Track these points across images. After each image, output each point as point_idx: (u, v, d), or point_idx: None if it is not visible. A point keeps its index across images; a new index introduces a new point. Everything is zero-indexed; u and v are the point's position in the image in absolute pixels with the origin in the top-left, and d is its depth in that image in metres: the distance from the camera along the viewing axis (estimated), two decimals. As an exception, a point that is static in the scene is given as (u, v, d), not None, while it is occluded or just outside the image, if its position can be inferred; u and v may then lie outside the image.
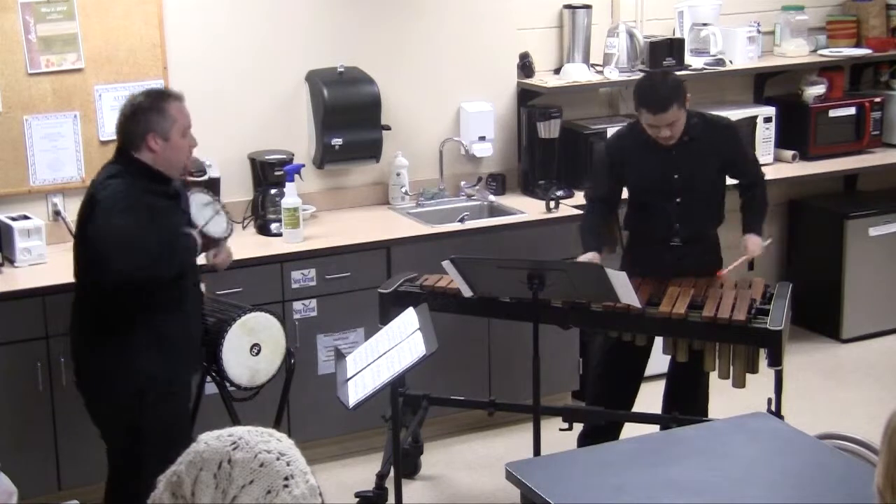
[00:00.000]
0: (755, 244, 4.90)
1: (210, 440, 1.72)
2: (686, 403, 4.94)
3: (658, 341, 4.88)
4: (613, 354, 4.96)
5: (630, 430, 4.94)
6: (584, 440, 4.96)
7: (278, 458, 1.70)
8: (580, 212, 5.60)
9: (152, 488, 1.74)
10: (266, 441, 1.72)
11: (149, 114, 4.01)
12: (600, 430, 4.88)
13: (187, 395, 4.26)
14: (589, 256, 4.82)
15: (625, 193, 5.04)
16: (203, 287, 4.69)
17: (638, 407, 5.06)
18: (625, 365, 4.96)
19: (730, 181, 5.06)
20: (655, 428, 4.83)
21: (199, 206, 4.24)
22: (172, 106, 4.05)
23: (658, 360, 5.07)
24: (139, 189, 3.97)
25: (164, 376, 4.04)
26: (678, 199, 4.84)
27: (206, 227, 4.21)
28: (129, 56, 5.24)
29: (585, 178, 5.73)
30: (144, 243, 3.90)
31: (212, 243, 4.26)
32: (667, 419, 4.77)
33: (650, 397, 5.15)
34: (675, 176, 4.83)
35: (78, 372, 4.18)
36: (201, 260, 4.29)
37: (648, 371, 5.12)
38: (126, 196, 3.93)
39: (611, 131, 5.57)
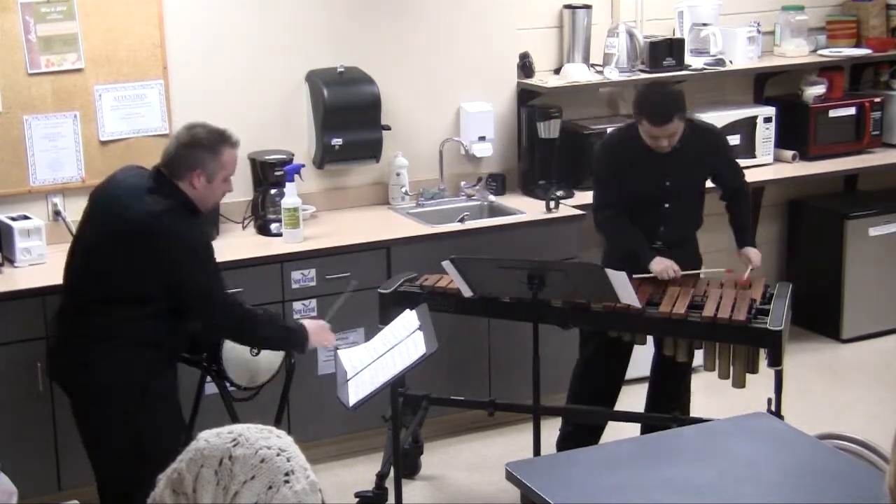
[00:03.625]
0: (757, 255, 4.98)
1: (210, 437, 1.72)
2: (668, 404, 4.95)
3: (644, 343, 4.88)
4: (596, 354, 4.97)
5: (617, 433, 4.95)
6: (562, 444, 4.97)
7: (279, 455, 1.70)
8: (580, 212, 5.61)
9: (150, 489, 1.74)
10: (266, 438, 1.72)
11: (203, 151, 4.01)
12: (580, 435, 4.90)
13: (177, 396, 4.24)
14: (659, 262, 4.74)
15: None
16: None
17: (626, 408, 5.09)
18: (607, 365, 4.98)
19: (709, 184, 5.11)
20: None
21: None
22: (227, 153, 4.06)
23: (642, 364, 5.12)
24: (198, 229, 4.08)
25: (162, 380, 4.05)
26: (667, 205, 4.87)
27: None
28: (129, 56, 5.24)
29: (586, 182, 5.71)
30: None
31: None
32: (667, 419, 4.77)
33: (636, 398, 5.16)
34: (667, 183, 4.86)
35: (84, 383, 4.08)
36: None
37: (642, 373, 5.14)
38: (199, 244, 4.04)
39: (611, 131, 5.57)
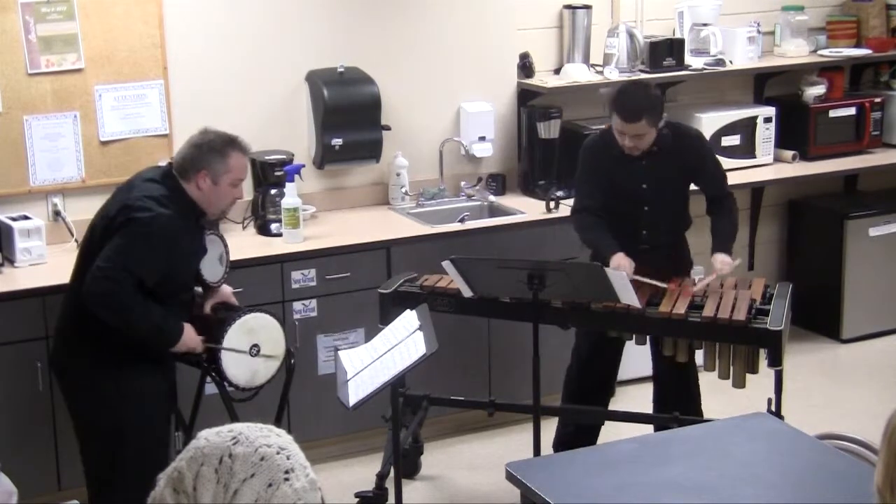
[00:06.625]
0: (724, 263, 4.78)
1: (210, 436, 1.73)
2: (679, 406, 4.93)
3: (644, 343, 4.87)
4: (587, 353, 4.97)
5: (619, 433, 4.95)
6: (559, 448, 4.97)
7: (278, 453, 1.71)
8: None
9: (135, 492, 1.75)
10: (266, 436, 1.73)
11: (211, 153, 4.07)
12: (579, 436, 4.91)
13: (165, 406, 4.27)
14: (618, 258, 4.68)
15: None
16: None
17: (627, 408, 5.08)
18: (599, 363, 4.98)
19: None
20: (648, 429, 4.84)
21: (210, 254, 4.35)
22: (234, 156, 4.12)
23: (642, 363, 5.11)
24: (176, 224, 4.01)
25: (142, 385, 4.08)
26: (646, 208, 4.86)
27: (205, 276, 4.32)
28: (129, 56, 5.24)
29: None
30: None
31: (206, 288, 4.36)
32: (667, 419, 4.77)
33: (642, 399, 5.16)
34: (644, 186, 4.85)
35: (61, 372, 4.24)
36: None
37: (640, 373, 5.13)
38: (159, 227, 3.96)
39: (592, 134, 5.52)
